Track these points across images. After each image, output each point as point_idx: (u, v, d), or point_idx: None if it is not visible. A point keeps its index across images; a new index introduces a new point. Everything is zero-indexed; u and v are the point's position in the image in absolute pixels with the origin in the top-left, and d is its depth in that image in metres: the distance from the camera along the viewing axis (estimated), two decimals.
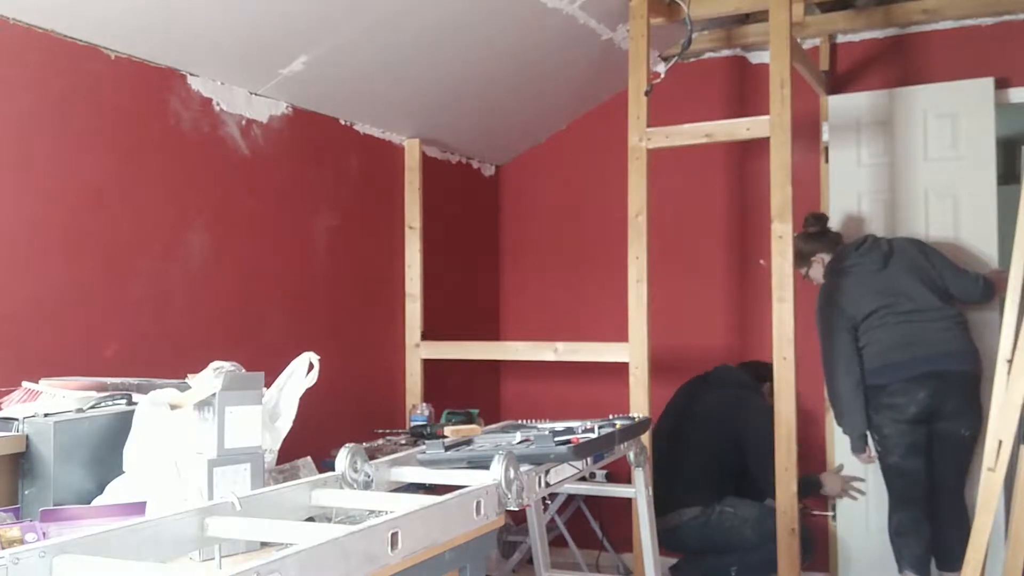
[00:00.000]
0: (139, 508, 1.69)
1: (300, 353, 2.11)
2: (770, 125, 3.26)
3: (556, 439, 2.02)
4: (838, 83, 4.16)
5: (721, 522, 3.71)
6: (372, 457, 1.93)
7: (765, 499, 3.64)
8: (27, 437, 1.96)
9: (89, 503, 1.93)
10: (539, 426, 2.42)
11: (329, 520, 1.81)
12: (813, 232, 3.77)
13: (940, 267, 3.60)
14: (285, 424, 2.07)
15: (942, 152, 3.92)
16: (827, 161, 4.14)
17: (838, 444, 4.06)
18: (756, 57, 4.28)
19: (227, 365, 2.01)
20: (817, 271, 3.76)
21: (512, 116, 4.30)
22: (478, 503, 1.64)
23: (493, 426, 2.58)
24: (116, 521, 1.45)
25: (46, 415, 1.99)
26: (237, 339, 3.07)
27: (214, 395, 1.82)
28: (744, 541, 3.67)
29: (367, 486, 1.84)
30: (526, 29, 3.52)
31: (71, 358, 2.49)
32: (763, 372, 3.89)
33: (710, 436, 3.82)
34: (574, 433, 2.16)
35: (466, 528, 1.60)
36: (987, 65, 3.86)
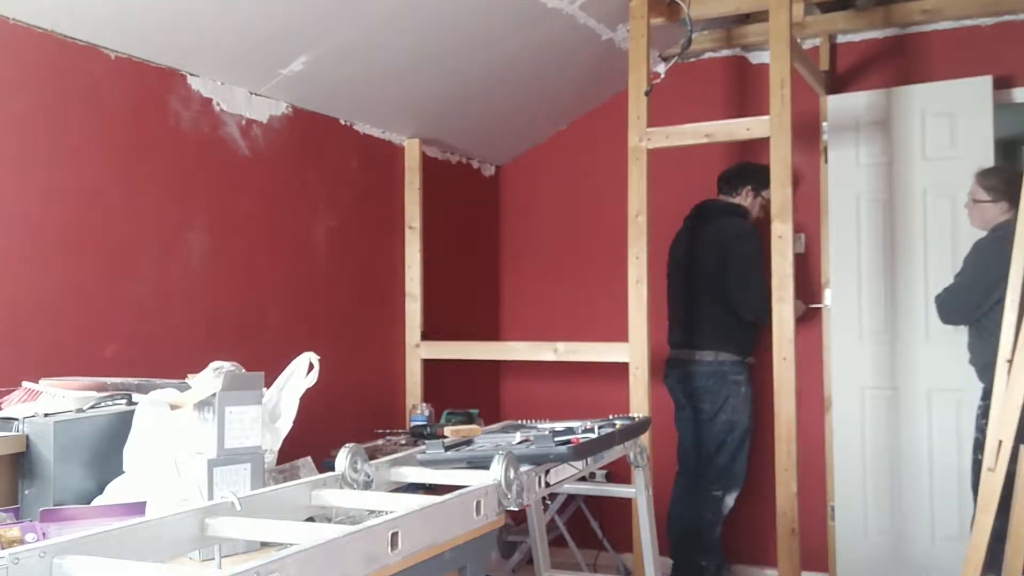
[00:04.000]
0: (139, 508, 1.68)
1: (300, 353, 2.11)
2: (770, 125, 3.26)
3: (556, 439, 2.02)
4: (838, 83, 4.17)
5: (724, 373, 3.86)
6: (372, 457, 1.93)
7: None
8: (27, 437, 1.96)
9: (89, 503, 1.93)
10: (539, 426, 2.42)
11: (329, 520, 1.80)
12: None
13: None
14: (285, 424, 2.07)
15: (940, 151, 3.93)
16: (826, 161, 4.14)
17: (837, 444, 4.07)
18: (756, 57, 4.28)
19: (227, 365, 2.01)
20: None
21: (512, 116, 4.30)
22: (478, 503, 1.64)
23: (493, 426, 2.58)
24: (116, 521, 1.45)
25: (46, 415, 1.99)
26: (237, 339, 3.07)
27: (214, 395, 1.82)
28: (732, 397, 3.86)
29: (367, 486, 1.84)
30: (526, 29, 3.52)
31: (71, 358, 2.49)
32: (738, 171, 4.03)
33: (711, 277, 3.91)
34: (574, 433, 2.16)
35: (466, 528, 1.60)
36: (987, 65, 3.86)
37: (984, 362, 3.37)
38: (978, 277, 3.40)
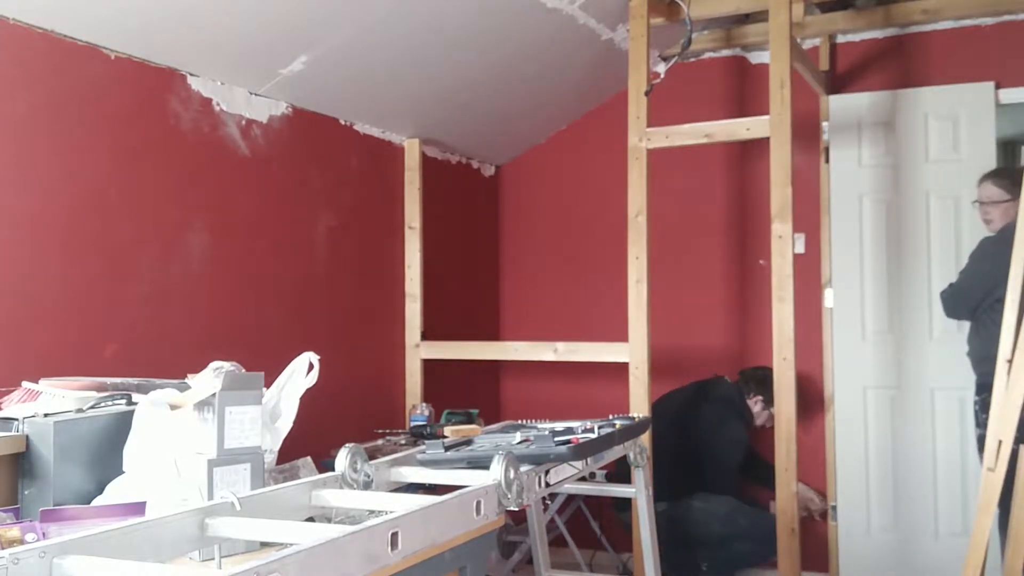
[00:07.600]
0: (139, 508, 1.68)
1: (300, 353, 2.11)
2: (770, 125, 3.26)
3: (556, 439, 2.02)
4: (838, 83, 4.17)
5: (689, 516, 3.75)
6: (372, 457, 1.93)
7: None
8: (27, 437, 1.96)
9: (89, 503, 1.93)
10: (539, 426, 2.42)
11: (329, 520, 1.80)
12: None
13: None
14: (285, 424, 2.07)
15: (943, 154, 3.94)
16: (827, 161, 4.14)
17: (839, 444, 4.07)
18: (756, 57, 4.28)
19: (227, 365, 2.01)
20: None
21: (512, 116, 4.30)
22: (478, 503, 1.64)
23: (493, 426, 2.58)
24: (116, 521, 1.45)
25: (46, 415, 1.99)
26: (237, 339, 3.07)
27: (214, 395, 1.82)
28: (711, 536, 3.72)
29: (367, 486, 1.84)
30: (526, 29, 3.52)
31: (71, 358, 2.49)
32: (760, 378, 3.93)
33: (685, 445, 3.86)
34: (574, 433, 2.16)
35: (466, 528, 1.60)
36: (987, 65, 3.87)
37: (979, 355, 3.45)
38: (981, 275, 3.43)
